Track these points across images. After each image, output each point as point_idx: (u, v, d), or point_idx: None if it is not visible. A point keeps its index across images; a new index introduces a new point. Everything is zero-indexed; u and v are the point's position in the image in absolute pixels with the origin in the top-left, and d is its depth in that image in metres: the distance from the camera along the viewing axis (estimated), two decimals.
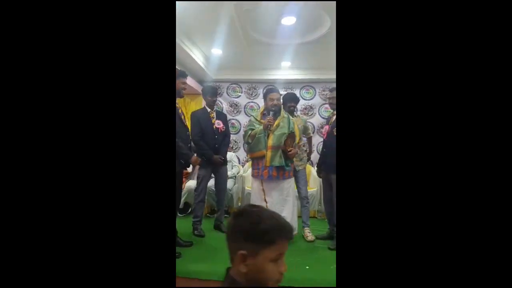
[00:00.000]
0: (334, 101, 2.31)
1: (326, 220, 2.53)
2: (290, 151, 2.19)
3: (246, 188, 3.19)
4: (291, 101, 2.61)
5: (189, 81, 3.23)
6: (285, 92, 2.94)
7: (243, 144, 3.93)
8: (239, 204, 3.29)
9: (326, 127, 2.39)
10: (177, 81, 2.01)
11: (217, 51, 3.22)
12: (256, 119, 2.31)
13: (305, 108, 3.99)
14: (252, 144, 2.24)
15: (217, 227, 2.63)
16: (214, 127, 2.52)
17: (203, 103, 2.64)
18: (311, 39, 2.79)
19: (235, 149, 4.06)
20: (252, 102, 4.10)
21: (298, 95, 3.12)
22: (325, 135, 2.37)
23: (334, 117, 2.30)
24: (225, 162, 2.59)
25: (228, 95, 4.12)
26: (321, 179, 2.55)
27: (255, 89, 4.09)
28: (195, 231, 2.47)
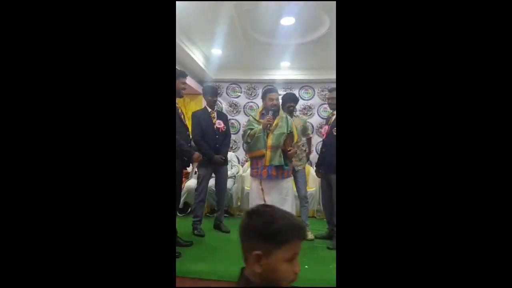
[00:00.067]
0: (333, 101, 2.31)
1: (325, 219, 2.54)
2: (290, 150, 2.19)
3: (246, 188, 3.20)
4: (290, 101, 2.61)
5: (189, 81, 3.24)
6: (285, 92, 2.94)
7: (242, 144, 3.93)
8: (239, 204, 3.30)
9: (326, 127, 2.39)
10: (176, 81, 2.01)
11: (216, 51, 3.23)
12: (255, 119, 2.31)
13: (304, 108, 4.00)
14: (251, 144, 2.25)
15: (217, 227, 2.64)
16: (215, 127, 2.52)
17: (204, 103, 2.64)
18: (310, 39, 2.80)
19: (235, 149, 4.06)
20: (251, 102, 4.11)
21: (297, 95, 3.13)
22: (325, 135, 2.38)
23: (333, 117, 2.30)
24: (226, 162, 2.60)
25: (228, 95, 4.13)
26: (319, 179, 2.55)
27: (254, 89, 4.09)
28: (195, 231, 2.47)
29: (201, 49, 3.19)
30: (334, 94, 2.31)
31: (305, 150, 2.79)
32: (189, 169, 2.73)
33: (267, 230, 0.60)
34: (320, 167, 2.43)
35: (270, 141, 2.18)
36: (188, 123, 2.36)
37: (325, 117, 3.44)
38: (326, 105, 3.67)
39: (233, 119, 4.07)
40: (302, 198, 2.55)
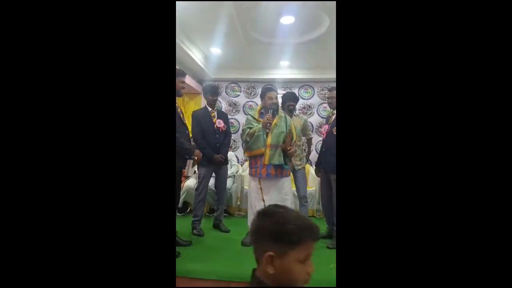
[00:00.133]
0: (333, 100, 2.31)
1: (324, 219, 2.53)
2: (290, 149, 2.19)
3: (245, 187, 3.19)
4: (290, 100, 2.61)
5: (188, 80, 3.23)
6: (284, 92, 2.94)
7: (242, 144, 3.93)
8: (238, 203, 3.29)
9: (326, 127, 2.39)
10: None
11: (216, 50, 3.22)
12: (254, 118, 2.31)
13: (304, 108, 4.00)
14: (251, 142, 2.24)
15: (216, 226, 2.64)
16: (215, 126, 2.51)
17: (204, 103, 2.63)
18: (310, 39, 2.80)
19: (234, 148, 4.06)
20: (251, 101, 4.10)
21: (297, 94, 3.13)
22: (325, 135, 2.37)
23: (333, 116, 2.30)
24: (226, 161, 2.59)
25: (227, 94, 4.13)
26: (319, 178, 2.55)
27: (254, 88, 4.09)
28: (194, 230, 2.47)
29: (201, 48, 3.18)
30: (334, 93, 2.30)
31: (305, 150, 2.79)
32: (185, 171, 2.72)
33: (280, 231, 0.60)
34: (320, 166, 2.42)
35: (269, 140, 2.17)
36: (188, 123, 2.36)
37: (325, 117, 3.45)
38: (326, 104, 3.67)
39: (232, 118, 4.06)
40: (301, 197, 2.55)
